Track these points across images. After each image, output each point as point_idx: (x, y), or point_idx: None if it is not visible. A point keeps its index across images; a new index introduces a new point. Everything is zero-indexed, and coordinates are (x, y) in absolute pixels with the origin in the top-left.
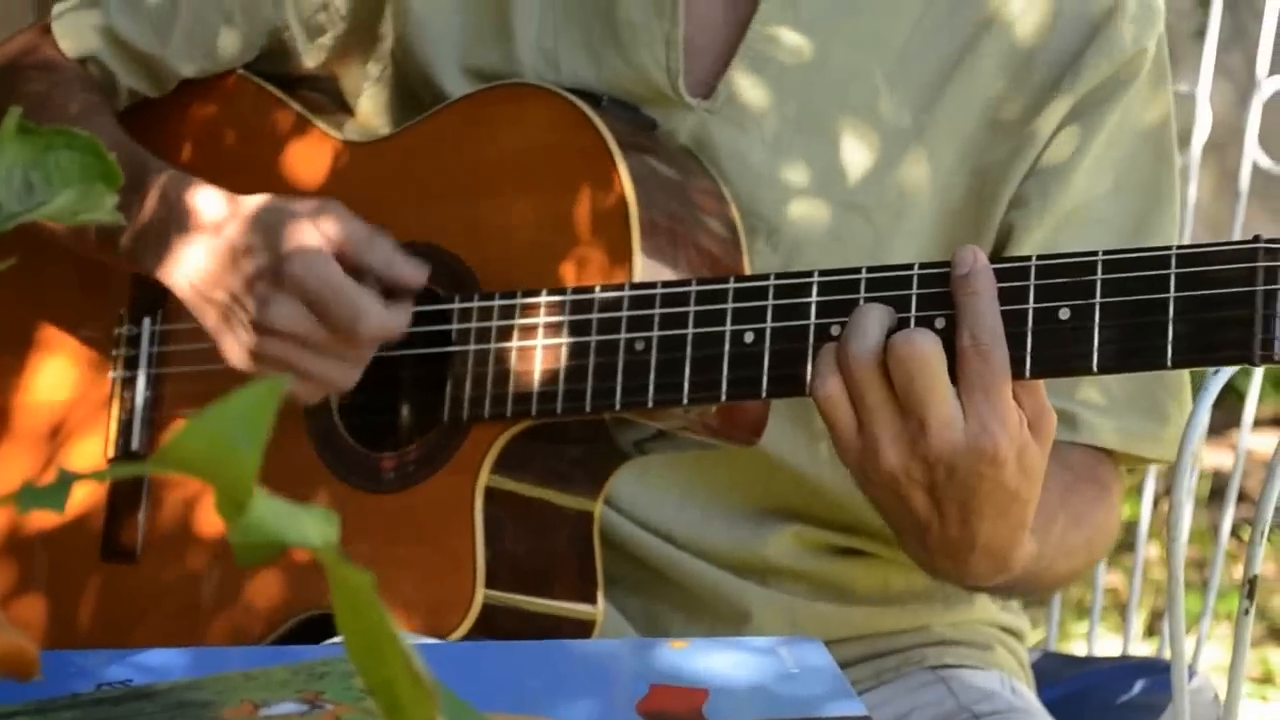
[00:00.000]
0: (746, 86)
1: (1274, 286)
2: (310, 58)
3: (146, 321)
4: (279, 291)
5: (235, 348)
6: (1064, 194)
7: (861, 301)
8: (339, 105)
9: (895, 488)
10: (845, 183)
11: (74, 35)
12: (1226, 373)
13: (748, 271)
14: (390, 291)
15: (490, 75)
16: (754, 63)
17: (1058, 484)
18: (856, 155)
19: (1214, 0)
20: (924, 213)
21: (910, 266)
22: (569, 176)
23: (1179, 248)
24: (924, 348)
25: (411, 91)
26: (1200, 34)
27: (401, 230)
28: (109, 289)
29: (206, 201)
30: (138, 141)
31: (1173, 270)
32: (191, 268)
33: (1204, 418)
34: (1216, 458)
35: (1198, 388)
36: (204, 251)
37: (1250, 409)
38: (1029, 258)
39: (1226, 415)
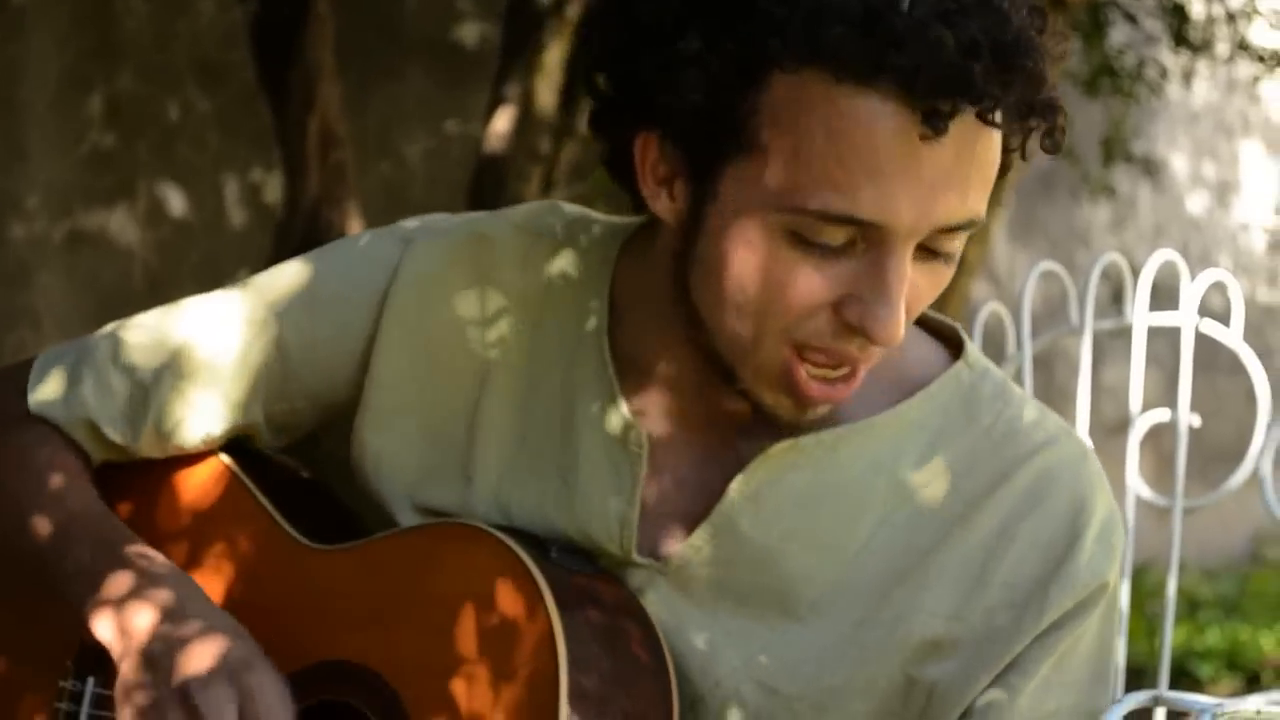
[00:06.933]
0: (698, 561)
1: None
2: (278, 444)
3: (90, 680)
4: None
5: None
6: (1007, 715)
7: None
8: (313, 485)
9: None
10: (772, 670)
11: (57, 421)
12: None
13: None
14: None
15: (441, 514)
16: (710, 540)
17: None
18: (788, 647)
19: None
20: (849, 712)
21: None
22: (504, 629)
23: None
24: None
25: (369, 496)
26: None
27: (337, 645)
28: (60, 634)
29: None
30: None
31: None
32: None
33: None
34: None
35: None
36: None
37: None
38: None
39: None
